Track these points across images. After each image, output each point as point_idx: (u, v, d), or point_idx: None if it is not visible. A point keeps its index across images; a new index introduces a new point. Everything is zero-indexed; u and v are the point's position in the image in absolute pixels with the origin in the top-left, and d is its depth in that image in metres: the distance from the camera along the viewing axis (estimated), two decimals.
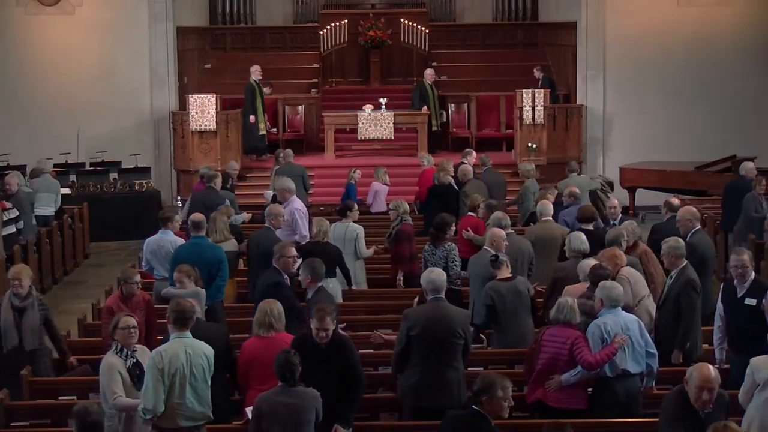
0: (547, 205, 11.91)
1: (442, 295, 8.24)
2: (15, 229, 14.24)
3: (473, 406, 6.71)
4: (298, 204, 12.43)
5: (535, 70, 20.99)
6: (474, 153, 15.90)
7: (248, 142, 20.02)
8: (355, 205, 12.27)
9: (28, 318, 9.11)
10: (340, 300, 10.53)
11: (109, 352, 7.60)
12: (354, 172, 15.79)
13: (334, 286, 10.51)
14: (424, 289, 8.38)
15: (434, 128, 20.53)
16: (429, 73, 20.83)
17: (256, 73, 20.06)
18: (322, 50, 22.98)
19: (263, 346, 7.75)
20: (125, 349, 7.52)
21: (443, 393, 7.96)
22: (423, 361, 7.97)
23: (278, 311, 7.90)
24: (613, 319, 8.10)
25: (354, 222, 11.85)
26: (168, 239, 11.27)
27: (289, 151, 16.77)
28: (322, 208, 15.93)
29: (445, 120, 21.10)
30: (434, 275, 8.29)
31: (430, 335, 7.97)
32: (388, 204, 13.25)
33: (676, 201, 11.89)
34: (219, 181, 13.97)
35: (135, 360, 7.51)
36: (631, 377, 8.10)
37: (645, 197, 18.17)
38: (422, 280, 8.43)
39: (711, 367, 6.76)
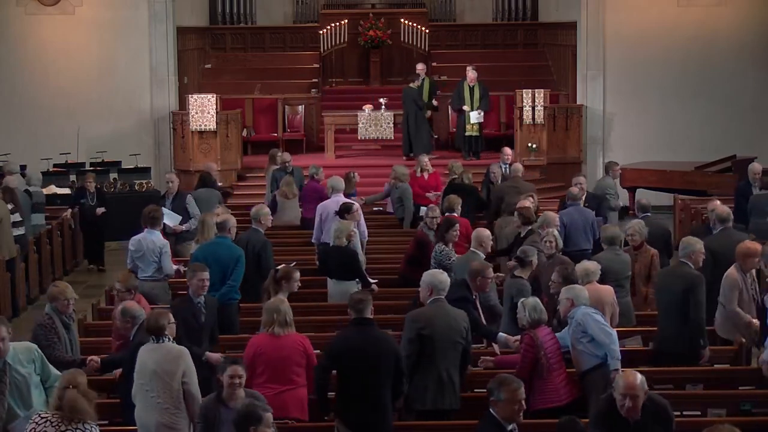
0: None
1: (443, 297, 8.17)
2: (23, 231, 14.18)
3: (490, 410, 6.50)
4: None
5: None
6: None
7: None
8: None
9: None
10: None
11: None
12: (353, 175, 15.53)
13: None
14: (428, 288, 8.11)
15: (467, 133, 19.55)
16: (470, 77, 19.55)
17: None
18: (322, 50, 23.00)
19: (273, 344, 7.79)
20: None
21: (451, 395, 7.91)
22: (434, 364, 7.83)
23: (285, 310, 7.90)
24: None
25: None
26: (152, 239, 11.27)
27: (286, 154, 16.64)
28: None
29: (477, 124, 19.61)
30: (444, 276, 8.23)
31: (440, 336, 7.86)
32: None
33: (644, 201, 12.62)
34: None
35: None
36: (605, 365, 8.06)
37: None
38: (427, 280, 8.17)
39: (638, 374, 6.53)
